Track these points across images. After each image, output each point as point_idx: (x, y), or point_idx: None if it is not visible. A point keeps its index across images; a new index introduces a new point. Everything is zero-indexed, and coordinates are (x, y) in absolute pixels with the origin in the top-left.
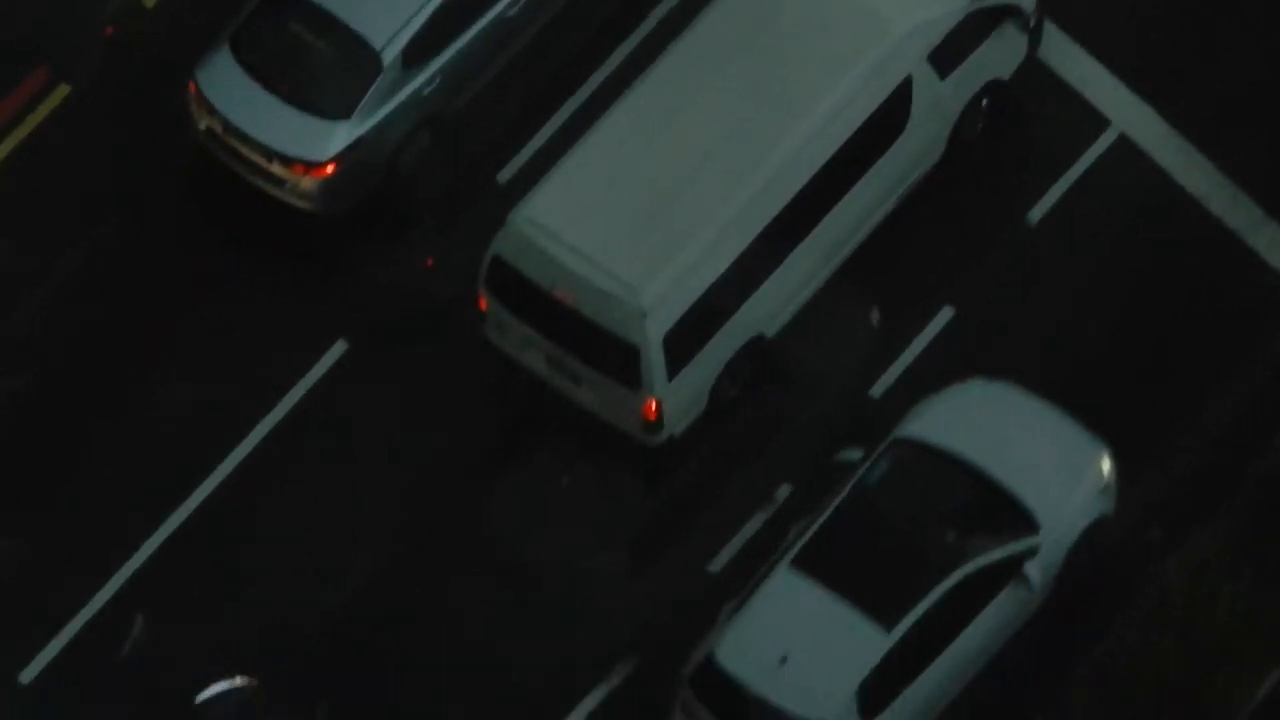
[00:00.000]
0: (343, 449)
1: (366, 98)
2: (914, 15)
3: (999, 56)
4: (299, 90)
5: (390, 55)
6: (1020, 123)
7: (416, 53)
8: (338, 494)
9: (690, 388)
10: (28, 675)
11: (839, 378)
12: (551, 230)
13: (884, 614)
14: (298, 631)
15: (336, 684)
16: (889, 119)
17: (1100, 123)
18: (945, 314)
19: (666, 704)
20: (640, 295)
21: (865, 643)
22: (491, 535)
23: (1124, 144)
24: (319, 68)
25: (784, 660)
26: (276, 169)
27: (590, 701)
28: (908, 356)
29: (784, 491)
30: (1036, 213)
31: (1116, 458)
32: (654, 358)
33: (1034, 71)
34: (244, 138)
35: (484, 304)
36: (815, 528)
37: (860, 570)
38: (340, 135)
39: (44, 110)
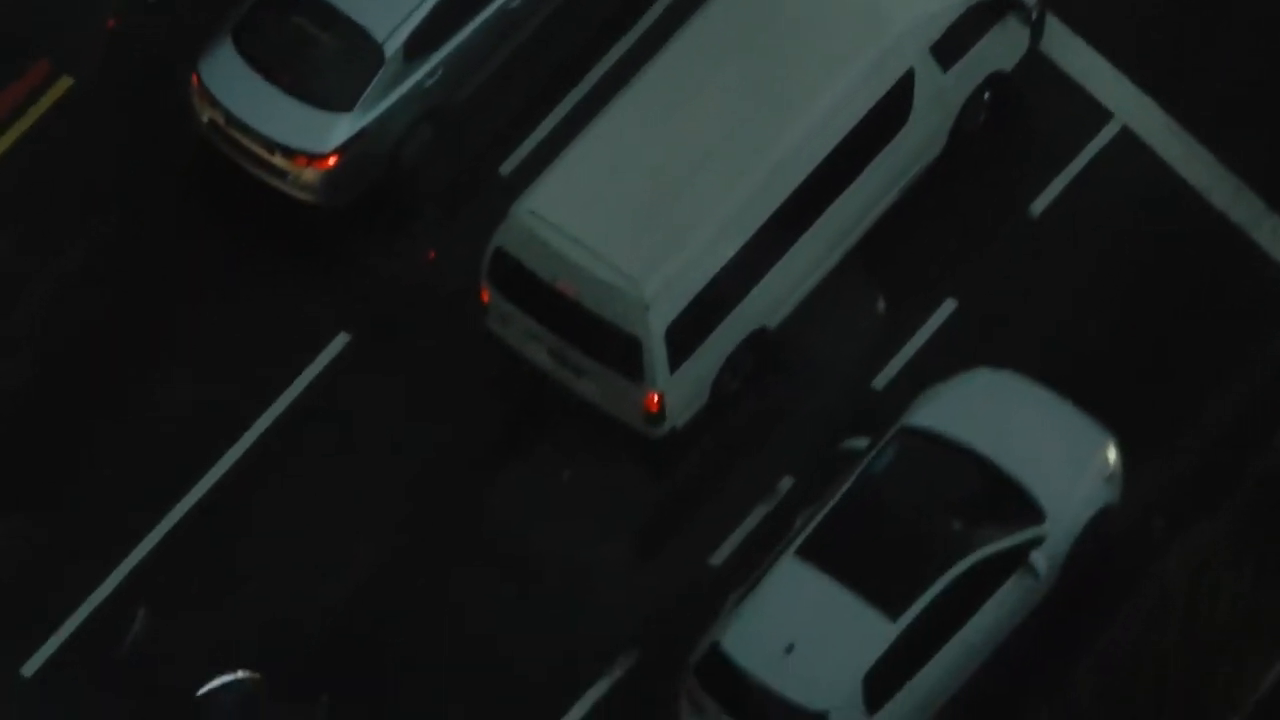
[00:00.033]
0: (345, 442)
1: (369, 90)
2: (916, 8)
3: (1001, 49)
4: (301, 82)
5: (392, 47)
6: (1022, 115)
7: (419, 45)
8: (339, 487)
9: (692, 380)
10: (30, 668)
11: (841, 370)
12: (554, 222)
13: (890, 603)
14: (300, 625)
15: (338, 678)
16: (891, 111)
17: (1102, 115)
18: (947, 306)
19: (668, 696)
20: (642, 287)
21: (871, 632)
22: (493, 528)
23: (1126, 136)
24: (321, 60)
25: (789, 649)
26: (279, 161)
27: (593, 694)
28: (910, 349)
29: (786, 484)
30: (1038, 205)
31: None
32: (656, 350)
33: (1036, 64)
34: (246, 130)
35: (486, 296)
36: (821, 517)
37: (866, 559)
38: (342, 127)
39: (46, 102)
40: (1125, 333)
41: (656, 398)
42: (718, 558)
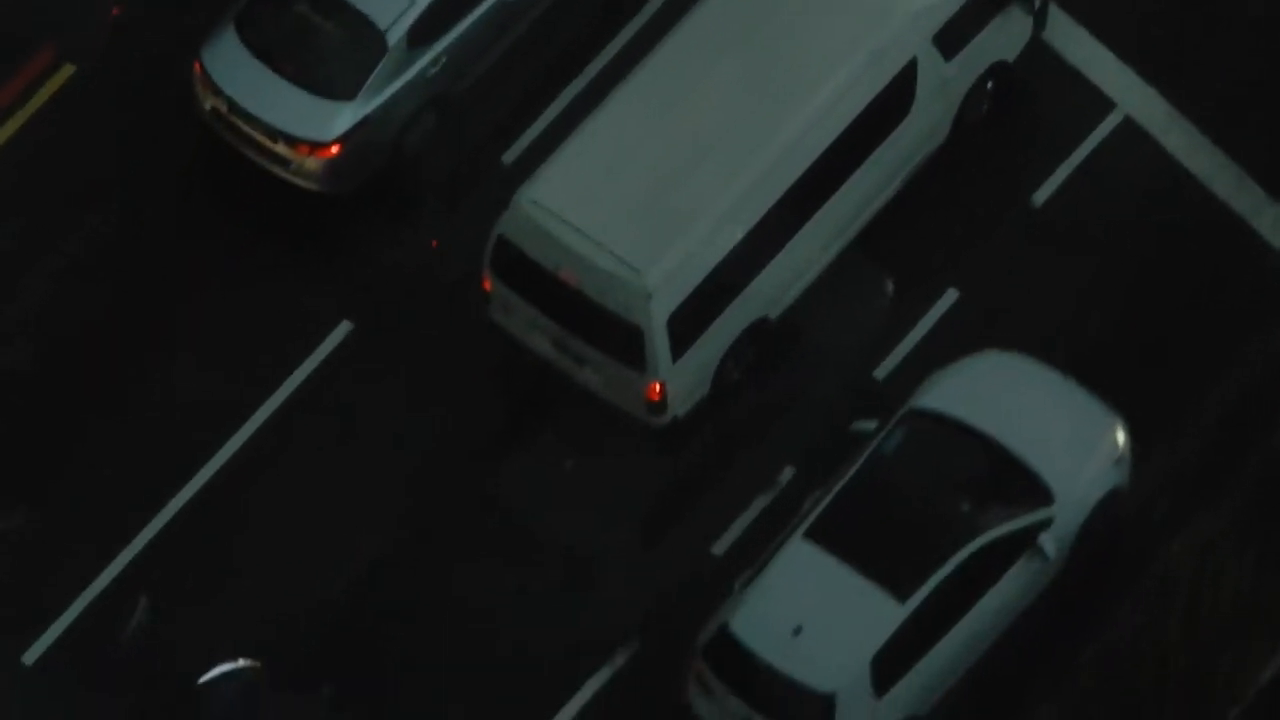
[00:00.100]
0: (347, 430)
1: (372, 78)
2: None
3: (1004, 38)
4: (304, 70)
5: (395, 36)
6: (1025, 105)
7: (422, 33)
8: (341, 476)
9: (694, 370)
10: (30, 656)
11: (843, 360)
12: (556, 212)
13: (898, 585)
14: (301, 616)
15: (340, 668)
16: (894, 101)
17: (1105, 105)
18: (950, 296)
19: (670, 686)
20: (645, 277)
21: (879, 614)
22: (495, 517)
23: (1129, 126)
24: (324, 48)
25: (798, 631)
26: (281, 149)
27: (594, 683)
28: (912, 338)
29: (788, 474)
30: (1041, 195)
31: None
32: (658, 339)
33: (1039, 53)
34: (249, 118)
35: (488, 285)
36: (829, 499)
37: (874, 541)
38: (345, 116)
39: (48, 90)
40: (1127, 321)
41: (658, 387)
42: (719, 547)
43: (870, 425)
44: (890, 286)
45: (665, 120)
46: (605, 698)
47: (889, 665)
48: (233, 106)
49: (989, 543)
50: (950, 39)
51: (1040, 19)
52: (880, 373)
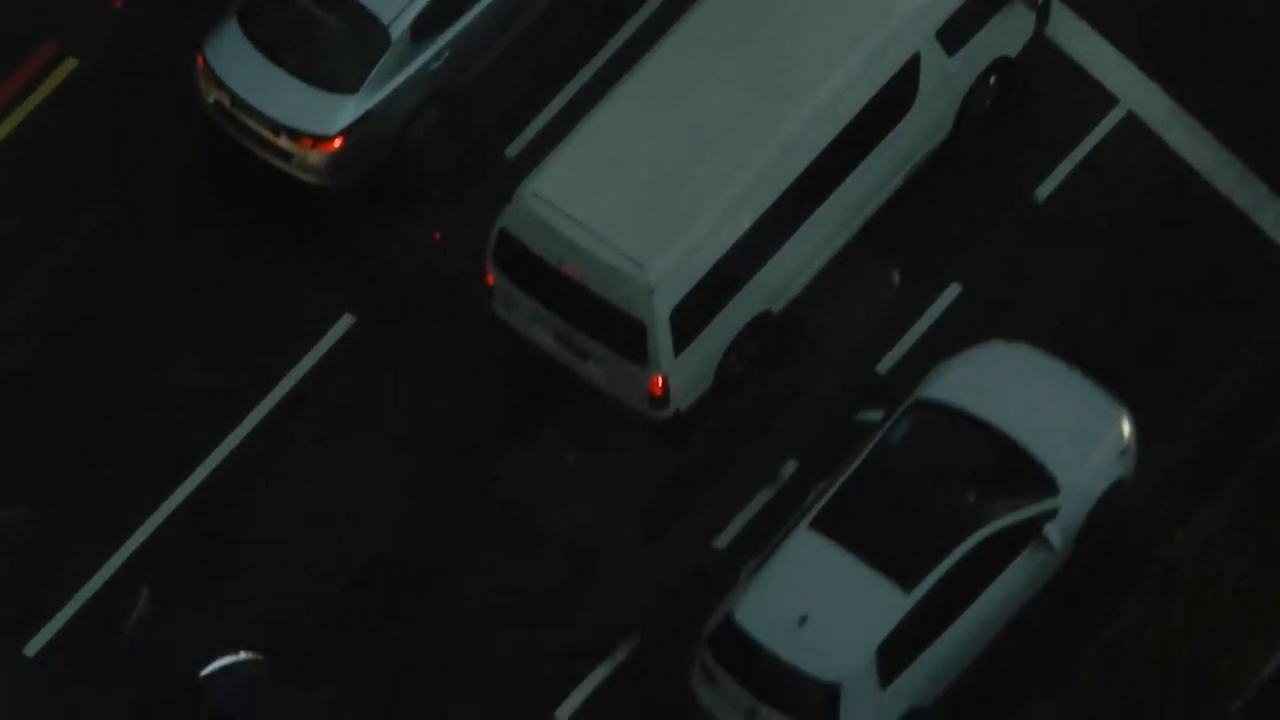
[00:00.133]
0: (348, 424)
1: (374, 72)
2: None
3: (1007, 34)
4: (307, 64)
5: (399, 29)
6: (1028, 100)
7: (425, 27)
8: (342, 472)
9: (697, 363)
10: (32, 649)
11: (846, 354)
12: (559, 205)
13: (904, 575)
14: (302, 610)
15: (341, 663)
16: (896, 96)
17: (1108, 100)
18: (952, 291)
19: (672, 680)
20: (647, 271)
21: (884, 604)
22: (497, 511)
23: (1131, 122)
24: (327, 41)
25: (803, 621)
26: (284, 143)
27: (595, 677)
28: (915, 333)
29: (790, 468)
30: (1044, 190)
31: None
32: (661, 333)
33: (1041, 49)
34: (252, 111)
35: (491, 279)
36: (835, 489)
37: (880, 532)
38: (348, 109)
39: (49, 86)
40: (1129, 317)
41: (661, 381)
42: (721, 541)
43: (876, 415)
44: (894, 280)
45: (669, 114)
46: (607, 692)
47: (894, 655)
48: (235, 100)
49: (994, 533)
50: (953, 34)
51: (1043, 15)
52: (883, 368)
